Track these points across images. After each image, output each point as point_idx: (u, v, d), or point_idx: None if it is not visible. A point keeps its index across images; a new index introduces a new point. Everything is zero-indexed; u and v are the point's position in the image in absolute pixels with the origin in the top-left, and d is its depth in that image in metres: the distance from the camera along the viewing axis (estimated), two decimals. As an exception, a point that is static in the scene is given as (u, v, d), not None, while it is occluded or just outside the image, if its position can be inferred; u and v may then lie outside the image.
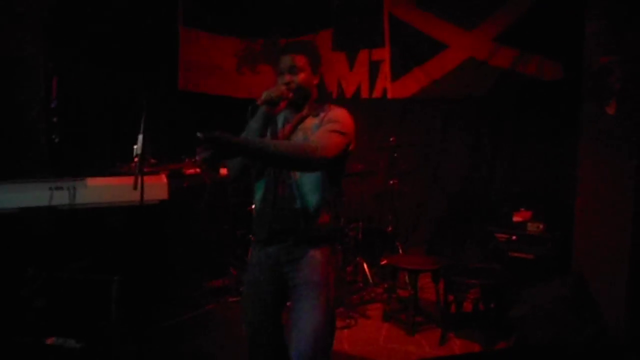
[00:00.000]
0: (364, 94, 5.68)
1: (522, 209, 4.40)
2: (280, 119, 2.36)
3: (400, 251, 4.68)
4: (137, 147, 2.85)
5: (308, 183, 2.22)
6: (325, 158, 2.08)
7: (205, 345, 3.61)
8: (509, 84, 4.76)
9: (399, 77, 5.43)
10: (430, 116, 5.40)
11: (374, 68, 5.59)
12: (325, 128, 2.18)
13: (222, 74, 5.81)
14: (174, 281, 4.21)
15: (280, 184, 2.25)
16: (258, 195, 2.36)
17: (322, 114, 2.28)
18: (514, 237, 4.12)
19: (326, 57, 5.66)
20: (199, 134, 1.84)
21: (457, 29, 4.98)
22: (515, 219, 4.35)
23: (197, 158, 1.91)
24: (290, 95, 2.21)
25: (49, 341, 3.42)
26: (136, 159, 2.95)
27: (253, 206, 4.05)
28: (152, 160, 4.22)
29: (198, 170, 4.57)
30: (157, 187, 3.58)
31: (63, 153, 4.33)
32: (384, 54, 5.50)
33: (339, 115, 2.26)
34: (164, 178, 3.70)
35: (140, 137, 2.85)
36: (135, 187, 2.76)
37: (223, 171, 4.60)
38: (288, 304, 2.33)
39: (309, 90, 2.30)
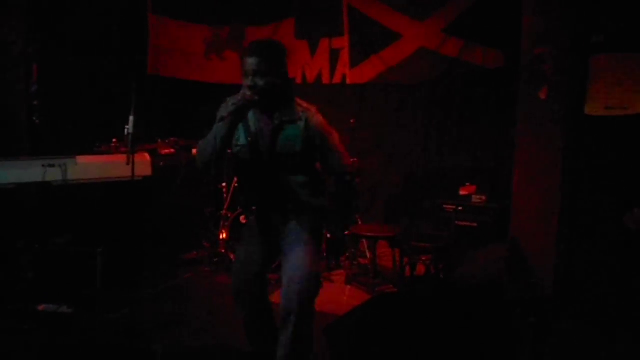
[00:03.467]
0: (325, 79, 6.02)
1: (468, 184, 4.92)
2: (251, 120, 2.54)
3: (360, 222, 5.12)
4: (128, 127, 3.15)
5: (293, 185, 2.56)
6: (352, 167, 2.65)
7: (187, 308, 3.94)
8: (457, 71, 5.21)
9: (357, 64, 5.80)
10: (386, 100, 5.79)
11: (334, 55, 5.93)
12: (331, 151, 2.57)
13: (191, 59, 6.04)
14: (152, 253, 4.52)
15: (266, 183, 2.58)
16: (241, 178, 2.74)
17: (300, 124, 2.48)
18: (460, 208, 4.63)
19: (289, 45, 5.99)
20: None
21: (411, 20, 5.38)
22: (462, 192, 4.86)
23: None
24: (256, 98, 2.35)
25: (41, 308, 3.70)
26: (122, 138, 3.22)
27: (223, 184, 4.44)
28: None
29: (172, 150, 4.87)
30: (141, 164, 3.88)
31: (42, 134, 4.55)
32: (343, 42, 5.85)
33: (321, 124, 2.54)
34: (147, 156, 4.00)
35: (132, 118, 3.14)
36: (128, 163, 3.07)
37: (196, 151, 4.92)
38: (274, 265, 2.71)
39: (274, 91, 2.42)
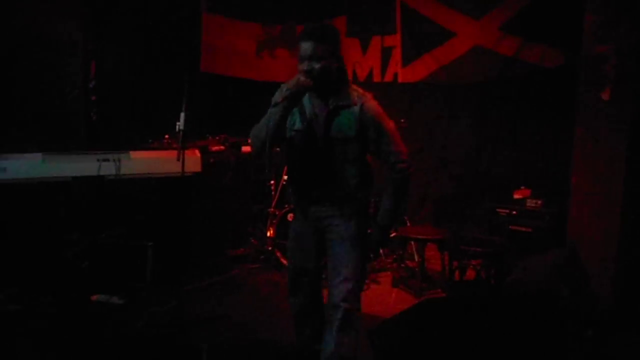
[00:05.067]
0: (376, 78, 5.96)
1: (522, 187, 4.75)
2: (306, 104, 2.51)
3: (409, 224, 5.04)
4: (179, 123, 3.20)
5: (347, 170, 2.50)
6: (410, 162, 2.50)
7: (233, 304, 3.98)
8: (513, 71, 5.03)
9: (409, 62, 5.70)
10: (438, 100, 5.70)
11: (385, 53, 5.86)
12: (387, 140, 2.45)
13: (243, 57, 6.11)
14: (200, 248, 4.58)
15: (317, 168, 2.53)
16: (293, 166, 2.68)
17: (355, 109, 2.43)
18: (514, 212, 4.48)
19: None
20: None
21: (465, 18, 5.24)
22: (516, 196, 4.70)
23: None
24: (311, 83, 2.32)
25: (94, 298, 3.81)
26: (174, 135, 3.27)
27: (272, 181, 4.42)
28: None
29: (222, 147, 4.92)
30: (192, 160, 3.93)
31: (98, 129, 4.70)
32: (395, 40, 5.76)
33: (377, 112, 2.47)
34: (197, 152, 4.06)
35: (183, 114, 3.19)
36: (178, 159, 3.12)
37: (245, 149, 4.97)
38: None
39: (330, 76, 2.39)
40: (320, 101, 2.49)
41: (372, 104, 2.49)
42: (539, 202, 4.44)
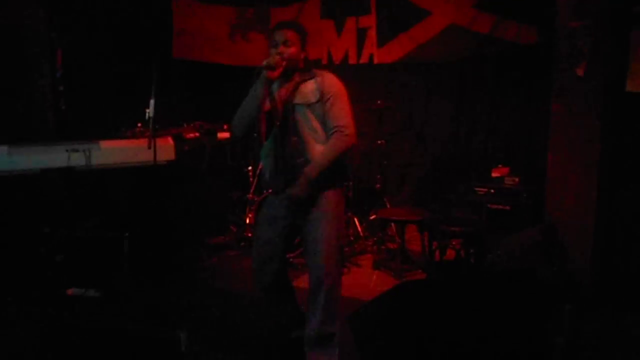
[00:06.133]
0: (352, 59, 5.89)
1: (500, 165, 4.75)
2: (274, 87, 2.72)
3: (388, 206, 5.02)
4: (149, 111, 3.11)
5: (311, 139, 2.64)
6: (354, 137, 2.63)
7: (212, 292, 3.93)
8: (488, 48, 5.01)
9: (384, 43, 5.64)
10: (415, 80, 5.65)
11: (361, 35, 5.78)
12: (337, 108, 2.62)
13: (216, 42, 5.99)
14: (178, 237, 4.52)
15: (287, 142, 2.64)
16: (265, 151, 2.74)
17: (317, 79, 2.67)
18: (492, 191, 4.47)
19: (315, 25, 5.86)
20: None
21: (440, -4, 5.22)
22: (494, 174, 4.69)
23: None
24: (284, 63, 2.56)
25: (69, 292, 3.73)
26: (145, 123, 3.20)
27: (249, 167, 4.38)
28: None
29: (197, 134, 4.83)
30: (165, 148, 3.86)
31: (68, 119, 4.57)
32: (370, 21, 5.69)
33: (338, 87, 2.67)
34: (170, 140, 3.98)
35: (152, 101, 3.11)
36: (149, 147, 3.04)
37: (222, 135, 4.89)
38: (297, 240, 2.88)
39: (298, 61, 2.67)
40: (283, 82, 2.69)
41: (331, 76, 2.71)
42: (517, 179, 4.44)
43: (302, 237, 2.77)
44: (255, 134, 2.71)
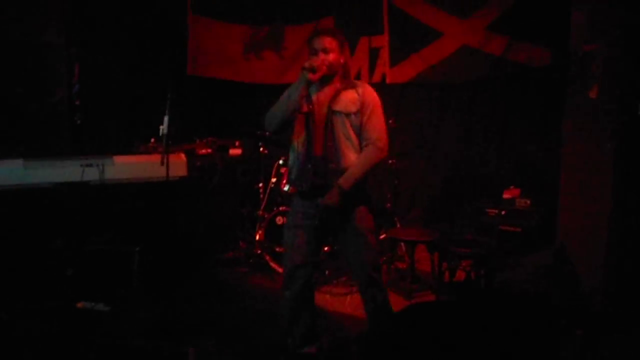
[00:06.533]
0: (364, 78, 5.91)
1: (512, 187, 4.73)
2: (312, 91, 2.78)
3: (399, 226, 5.00)
4: (163, 127, 3.15)
5: (346, 147, 2.70)
6: (387, 151, 2.71)
7: (221, 309, 3.91)
8: (501, 70, 5.03)
9: (397, 63, 5.67)
10: (426, 100, 5.67)
11: (373, 54, 5.82)
12: (375, 121, 2.71)
13: (230, 59, 6.04)
14: (188, 253, 4.52)
15: (321, 146, 2.71)
16: (295, 151, 2.79)
17: (359, 90, 2.75)
18: (503, 212, 4.45)
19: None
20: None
21: (452, 18, 5.23)
22: (505, 195, 4.67)
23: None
24: (324, 69, 2.64)
25: (79, 305, 3.75)
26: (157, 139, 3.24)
27: (260, 184, 4.39)
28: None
29: (209, 150, 4.87)
30: (177, 164, 3.89)
31: (84, 134, 4.63)
32: (383, 41, 5.72)
33: (377, 100, 2.77)
34: (183, 156, 4.01)
35: (166, 118, 3.15)
36: (162, 163, 3.07)
37: (233, 152, 4.93)
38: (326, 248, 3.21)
39: (337, 67, 2.73)
40: (322, 87, 2.75)
41: (370, 89, 2.79)
42: (528, 201, 4.42)
43: (343, 249, 2.93)
44: (289, 132, 2.79)
